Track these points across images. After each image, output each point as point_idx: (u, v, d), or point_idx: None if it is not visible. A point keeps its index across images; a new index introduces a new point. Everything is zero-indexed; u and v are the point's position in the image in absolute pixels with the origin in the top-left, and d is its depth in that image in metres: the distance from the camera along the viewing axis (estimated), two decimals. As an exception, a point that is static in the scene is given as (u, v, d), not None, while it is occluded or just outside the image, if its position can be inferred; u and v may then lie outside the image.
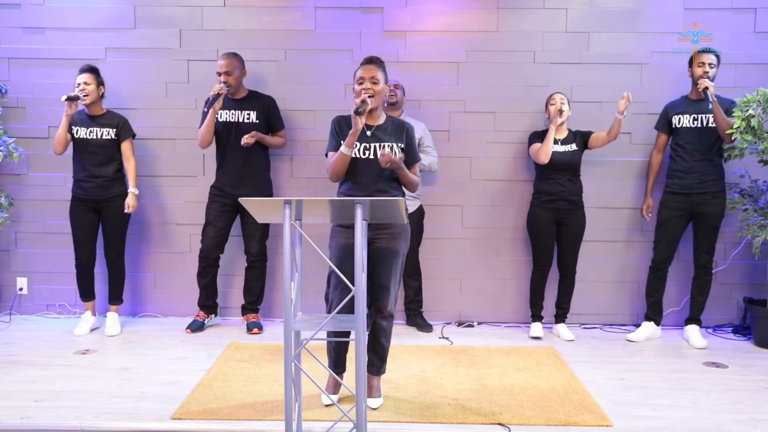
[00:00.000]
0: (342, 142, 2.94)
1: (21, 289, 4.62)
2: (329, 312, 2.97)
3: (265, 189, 4.27)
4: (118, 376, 3.42)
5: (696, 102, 4.04)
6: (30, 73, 4.51)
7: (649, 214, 4.32)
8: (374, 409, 3.00)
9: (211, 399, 3.10)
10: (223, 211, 4.19)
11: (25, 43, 4.49)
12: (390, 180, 3.00)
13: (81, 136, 4.08)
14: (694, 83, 4.00)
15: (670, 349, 4.04)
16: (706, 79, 3.89)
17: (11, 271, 4.64)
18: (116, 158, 4.14)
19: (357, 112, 2.83)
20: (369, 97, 2.90)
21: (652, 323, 4.21)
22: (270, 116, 4.24)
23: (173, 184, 4.54)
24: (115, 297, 4.27)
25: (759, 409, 3.07)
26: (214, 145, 4.22)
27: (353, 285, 2.36)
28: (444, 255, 4.55)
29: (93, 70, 4.08)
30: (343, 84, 4.44)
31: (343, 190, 3.04)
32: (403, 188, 3.11)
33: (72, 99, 3.93)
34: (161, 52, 4.48)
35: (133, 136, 4.20)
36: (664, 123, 4.17)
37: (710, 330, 4.40)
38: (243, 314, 4.38)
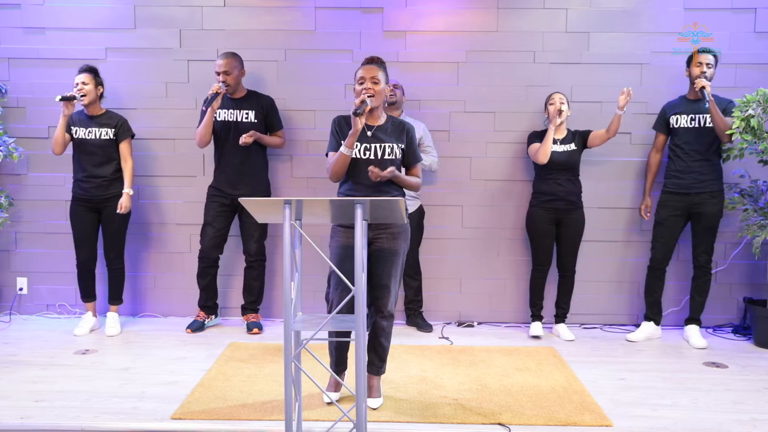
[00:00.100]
0: (342, 142, 2.94)
1: (21, 289, 4.62)
2: (330, 312, 2.97)
3: (264, 189, 4.27)
4: (118, 376, 3.43)
5: (694, 102, 4.04)
6: (30, 73, 4.51)
7: (648, 214, 4.32)
8: (374, 409, 3.00)
9: (211, 399, 3.10)
10: (222, 212, 4.19)
11: (25, 43, 4.50)
12: (390, 180, 3.00)
13: (80, 137, 4.08)
14: (692, 83, 4.00)
15: (670, 349, 4.04)
16: (703, 79, 3.89)
17: (11, 271, 4.64)
18: (115, 158, 4.13)
19: (356, 113, 2.83)
20: (369, 97, 2.90)
21: (651, 323, 4.21)
22: (268, 116, 4.24)
23: (173, 184, 4.54)
24: (115, 297, 4.27)
25: (759, 409, 3.07)
26: (212, 145, 4.22)
27: (353, 285, 2.36)
28: (444, 255, 4.56)
29: (91, 70, 4.08)
30: (343, 84, 4.44)
31: (344, 190, 3.04)
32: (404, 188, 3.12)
33: (66, 99, 3.92)
34: (161, 52, 4.49)
35: (132, 136, 4.20)
36: (662, 123, 4.18)
37: (710, 330, 4.40)
38: (243, 314, 4.38)
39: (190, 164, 4.52)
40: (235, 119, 4.15)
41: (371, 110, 2.95)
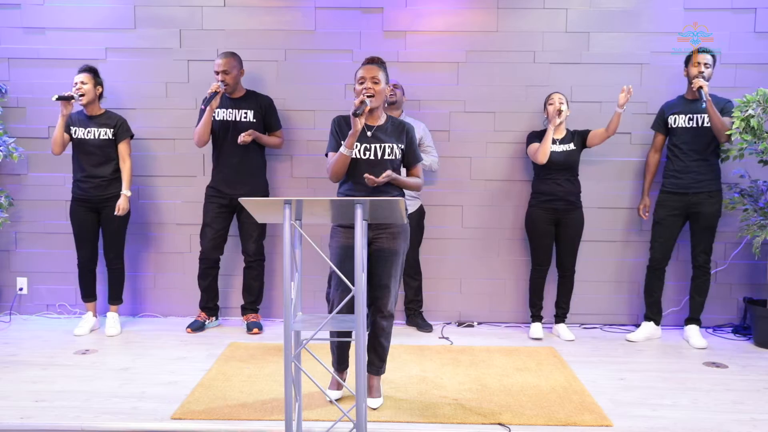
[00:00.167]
0: (342, 142, 2.94)
1: (21, 289, 4.62)
2: (331, 312, 2.98)
3: (262, 188, 4.27)
4: (118, 376, 3.43)
5: (691, 102, 4.04)
6: (30, 73, 4.51)
7: (646, 214, 4.33)
8: (374, 409, 3.00)
9: (211, 399, 3.10)
10: (220, 212, 4.19)
11: (25, 43, 4.50)
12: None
13: (79, 137, 4.08)
14: (690, 83, 4.00)
15: (670, 349, 4.04)
16: (701, 79, 3.89)
17: (11, 271, 4.64)
18: (114, 158, 4.13)
19: (355, 114, 2.83)
20: (369, 97, 2.90)
21: (651, 323, 4.21)
22: (267, 116, 4.24)
23: (173, 184, 4.54)
24: (115, 297, 4.27)
25: (759, 409, 3.07)
26: (210, 145, 4.22)
27: (353, 285, 2.36)
28: (444, 255, 4.56)
29: (91, 70, 4.08)
30: (343, 84, 4.44)
31: (343, 190, 3.04)
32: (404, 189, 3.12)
33: (64, 99, 3.92)
34: (161, 52, 4.49)
35: (131, 136, 4.20)
36: (661, 123, 4.18)
37: (710, 330, 4.40)
38: (243, 314, 4.38)
39: (190, 164, 4.52)
40: (233, 119, 4.15)
41: (371, 110, 2.95)
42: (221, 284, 4.41)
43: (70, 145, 4.14)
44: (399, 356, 3.73)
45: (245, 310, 4.36)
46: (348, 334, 3.04)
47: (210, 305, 4.35)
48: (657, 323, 4.22)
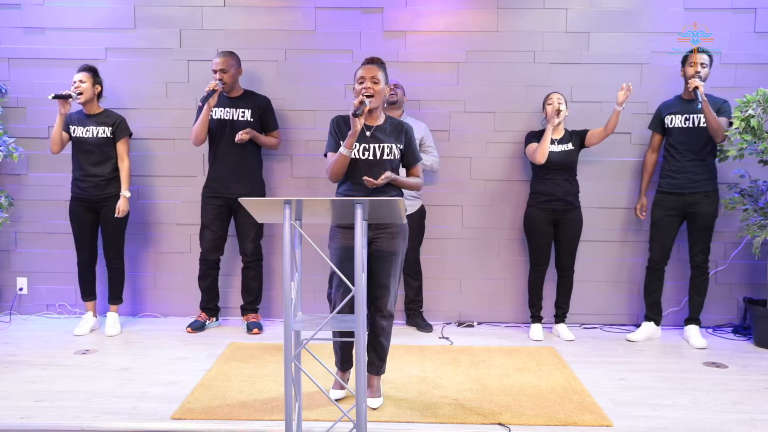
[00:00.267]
0: (341, 142, 2.94)
1: (21, 289, 4.62)
2: (332, 310, 2.98)
3: (259, 188, 4.27)
4: (118, 376, 3.43)
5: (688, 102, 4.04)
6: (30, 73, 4.51)
7: (643, 213, 4.33)
8: (374, 409, 3.00)
9: (211, 399, 3.10)
10: (218, 213, 4.19)
11: (25, 43, 4.50)
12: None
13: (78, 135, 4.08)
14: (686, 83, 4.00)
15: (670, 349, 4.04)
16: (697, 79, 3.89)
17: (11, 271, 4.64)
18: (112, 157, 4.13)
19: (355, 114, 2.83)
20: (368, 97, 2.90)
21: (651, 323, 4.21)
22: (264, 116, 4.24)
23: (173, 184, 4.54)
24: (115, 297, 4.27)
25: (759, 409, 3.07)
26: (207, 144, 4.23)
27: (353, 285, 2.36)
28: (444, 255, 4.56)
29: (90, 69, 4.08)
30: (343, 84, 4.44)
31: (342, 190, 3.04)
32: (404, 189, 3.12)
33: (61, 97, 3.91)
34: (161, 52, 4.49)
35: (130, 135, 4.19)
36: (658, 123, 4.18)
37: (710, 330, 4.40)
38: (243, 314, 4.38)
39: (190, 164, 4.52)
40: (231, 117, 4.15)
41: (370, 110, 2.95)
42: (221, 284, 4.41)
43: (69, 145, 4.14)
44: (399, 356, 3.73)
45: (245, 310, 4.36)
46: (350, 333, 3.04)
47: (210, 306, 4.35)
48: (657, 323, 4.22)
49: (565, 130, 4.19)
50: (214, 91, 3.97)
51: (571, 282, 4.26)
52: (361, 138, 2.95)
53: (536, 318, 4.29)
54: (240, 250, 4.29)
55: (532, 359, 3.76)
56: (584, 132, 4.16)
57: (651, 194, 4.27)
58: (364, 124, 2.96)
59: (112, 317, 4.24)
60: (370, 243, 2.96)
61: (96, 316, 4.28)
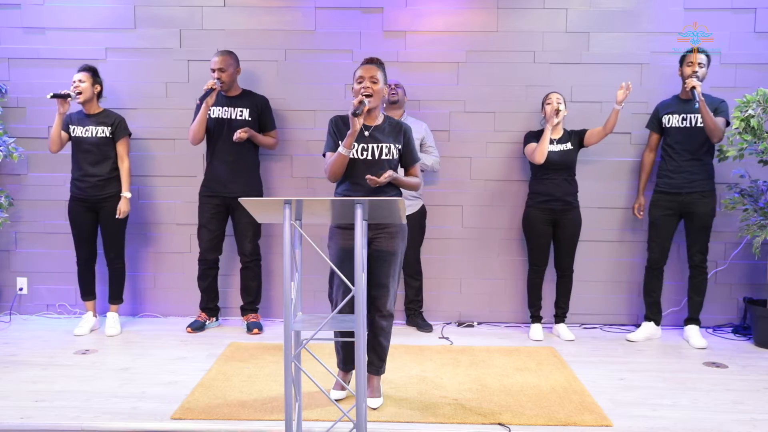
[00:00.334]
0: (339, 142, 2.94)
1: (21, 289, 4.62)
2: (334, 310, 2.99)
3: (256, 187, 4.27)
4: (118, 376, 3.43)
5: (685, 102, 4.04)
6: (30, 73, 4.51)
7: (641, 213, 4.33)
8: (374, 409, 3.00)
9: (211, 399, 3.10)
10: (216, 213, 4.19)
11: (25, 43, 4.50)
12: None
13: (77, 135, 4.08)
14: (684, 83, 4.00)
15: (670, 349, 4.04)
16: (694, 79, 3.89)
17: (11, 271, 4.64)
18: (111, 157, 4.12)
19: (354, 114, 2.83)
20: (367, 97, 2.90)
21: (651, 323, 4.21)
22: (262, 116, 4.24)
23: (173, 184, 4.54)
24: (115, 297, 4.27)
25: (759, 409, 3.07)
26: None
27: (353, 285, 2.36)
28: (444, 255, 4.55)
29: (90, 69, 4.08)
30: (343, 84, 4.44)
31: (341, 190, 3.04)
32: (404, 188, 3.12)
33: (59, 96, 3.91)
34: (161, 52, 4.49)
35: (129, 135, 4.19)
36: (655, 122, 4.19)
37: (710, 330, 4.40)
38: (242, 315, 4.38)
39: (190, 164, 4.52)
40: (229, 116, 4.15)
41: (369, 110, 2.95)
42: (221, 284, 4.41)
43: (69, 145, 4.14)
44: (399, 356, 3.73)
45: (245, 310, 4.36)
46: (350, 333, 3.04)
47: (210, 306, 4.35)
48: (657, 323, 4.22)
49: (564, 129, 4.19)
50: (212, 89, 3.98)
51: (571, 282, 4.26)
52: (360, 138, 2.95)
53: (536, 318, 4.29)
54: (238, 250, 4.28)
55: (532, 359, 3.75)
56: (583, 132, 4.16)
57: (649, 194, 4.27)
58: (363, 124, 2.96)
59: (112, 317, 4.24)
60: (370, 243, 2.96)
61: (96, 316, 4.28)
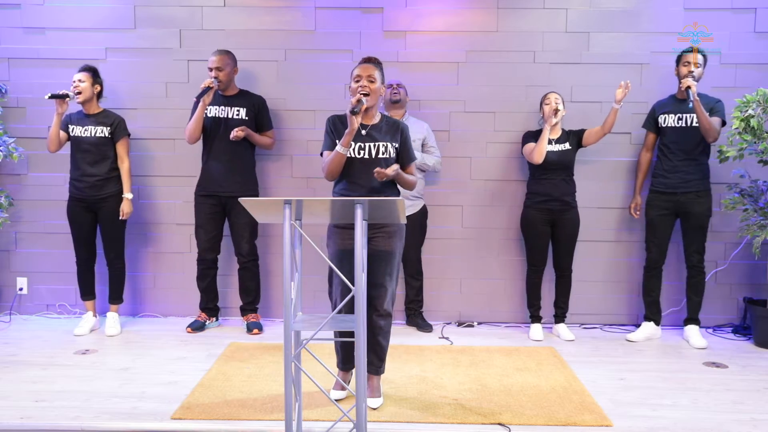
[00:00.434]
0: (337, 141, 2.94)
1: (21, 289, 4.62)
2: (334, 309, 2.99)
3: (252, 187, 4.26)
4: (118, 376, 3.42)
5: (681, 101, 4.04)
6: (30, 73, 4.51)
7: (637, 213, 4.34)
8: (374, 409, 3.00)
9: (211, 399, 3.10)
10: (212, 213, 4.19)
11: (25, 43, 4.50)
12: (386, 180, 2.99)
13: (76, 134, 4.09)
14: (680, 82, 4.00)
15: (670, 349, 4.04)
16: (690, 79, 3.89)
17: (11, 271, 4.64)
18: (109, 156, 4.12)
19: (353, 112, 2.83)
20: (364, 95, 2.91)
21: (651, 323, 4.21)
22: (259, 115, 4.24)
23: (173, 183, 4.54)
24: (115, 297, 4.26)
25: (759, 409, 3.07)
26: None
27: (353, 285, 2.36)
28: (444, 255, 4.55)
29: (90, 70, 4.09)
30: (343, 84, 4.44)
31: (338, 189, 3.04)
32: (399, 188, 3.12)
33: (57, 97, 3.92)
34: (161, 52, 4.49)
35: (128, 135, 4.19)
36: (652, 122, 4.19)
37: (710, 330, 4.40)
38: (242, 315, 4.38)
39: (190, 164, 4.51)
40: (225, 116, 4.15)
41: (366, 109, 2.95)
42: (220, 284, 4.41)
43: (67, 145, 4.14)
44: (399, 356, 3.73)
45: (244, 310, 4.36)
46: (350, 333, 3.04)
47: (210, 306, 4.35)
48: (657, 323, 4.22)
49: (562, 129, 4.19)
50: (209, 88, 3.98)
51: (570, 282, 4.26)
52: (357, 137, 2.96)
53: (536, 318, 4.29)
54: (235, 251, 4.28)
55: (532, 359, 3.75)
56: (581, 131, 4.17)
57: (645, 194, 4.27)
58: (360, 123, 2.96)
59: (112, 317, 4.24)
60: (367, 242, 2.96)
61: (96, 316, 4.28)
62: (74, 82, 4.03)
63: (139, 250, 4.58)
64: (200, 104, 4.02)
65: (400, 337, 4.14)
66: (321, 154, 3.07)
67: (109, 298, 4.27)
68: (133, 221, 4.38)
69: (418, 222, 4.28)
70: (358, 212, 2.33)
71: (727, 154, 4.00)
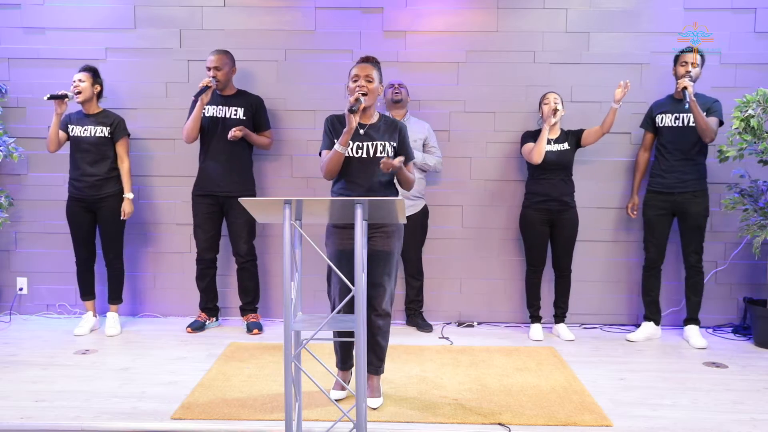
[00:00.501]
0: (335, 140, 2.95)
1: (21, 289, 4.62)
2: (333, 309, 2.99)
3: (250, 187, 4.26)
4: (118, 376, 3.42)
5: (678, 101, 4.04)
6: (30, 73, 4.51)
7: (634, 212, 4.34)
8: (374, 409, 3.00)
9: (211, 399, 3.10)
10: (210, 213, 4.19)
11: (25, 43, 4.50)
12: (383, 177, 3.00)
13: (76, 134, 4.09)
14: (677, 82, 4.00)
15: (670, 349, 4.04)
16: (686, 79, 3.89)
17: (11, 271, 4.64)
18: (109, 156, 4.12)
19: (351, 111, 2.83)
20: (362, 95, 2.91)
21: (651, 323, 4.21)
22: (257, 115, 4.24)
23: (173, 183, 4.54)
24: (115, 297, 4.26)
25: (759, 409, 3.07)
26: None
27: (353, 285, 2.36)
28: (444, 255, 4.55)
29: (90, 70, 4.09)
30: (343, 84, 4.39)
31: (337, 188, 3.04)
32: (398, 187, 3.12)
33: (56, 97, 3.92)
34: (161, 52, 4.49)
35: (128, 135, 4.19)
36: (649, 122, 4.19)
37: (710, 330, 4.40)
38: (242, 315, 4.38)
39: (189, 164, 4.50)
40: (223, 115, 4.15)
41: (364, 109, 2.96)
42: (219, 284, 4.41)
43: (67, 145, 4.14)
44: (399, 356, 3.73)
45: (244, 310, 4.36)
46: (350, 333, 3.04)
47: (210, 306, 4.35)
48: (657, 323, 4.22)
49: (561, 129, 4.19)
50: (207, 87, 3.98)
51: (569, 282, 4.26)
52: (355, 136, 2.96)
53: (535, 318, 4.29)
54: (233, 251, 4.28)
55: (532, 359, 3.75)
56: (580, 131, 4.16)
57: (643, 194, 4.27)
58: (359, 123, 2.97)
59: (112, 317, 4.24)
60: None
61: (96, 316, 4.28)
62: (74, 82, 4.03)
63: (139, 250, 4.58)
64: (198, 103, 4.02)
65: (400, 337, 4.14)
66: (319, 154, 3.08)
67: (108, 299, 4.27)
68: (133, 221, 4.37)
69: (420, 222, 4.28)
70: (358, 212, 2.33)
71: (727, 154, 3.99)
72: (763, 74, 4.34)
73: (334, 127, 3.02)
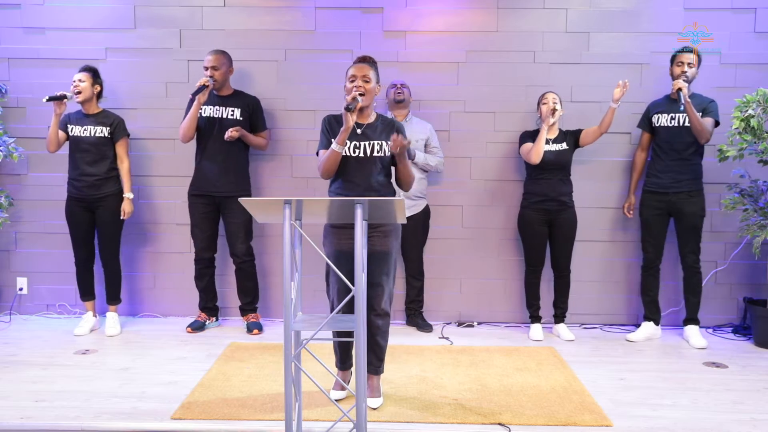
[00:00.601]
0: (333, 140, 2.95)
1: (21, 289, 4.62)
2: (332, 308, 2.98)
3: (246, 187, 4.26)
4: (118, 376, 3.43)
5: (674, 101, 4.04)
6: (30, 73, 4.51)
7: (631, 212, 4.34)
8: (374, 409, 3.00)
9: (211, 399, 3.10)
10: (206, 213, 4.19)
11: (25, 43, 4.50)
12: (381, 177, 3.00)
13: (75, 134, 4.09)
14: (673, 83, 4.00)
15: (670, 349, 4.04)
16: (681, 80, 3.88)
17: (11, 271, 4.63)
18: (108, 156, 4.12)
19: (348, 109, 2.83)
20: (360, 95, 2.91)
21: (651, 323, 4.21)
22: (253, 116, 4.24)
23: (173, 183, 4.53)
24: (113, 297, 4.26)
25: (759, 409, 3.08)
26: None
27: (352, 285, 2.36)
28: (444, 255, 4.55)
29: (90, 70, 4.09)
30: (343, 84, 4.42)
31: (334, 188, 3.05)
32: (396, 186, 3.11)
33: (55, 99, 3.92)
34: (161, 52, 4.49)
35: (128, 135, 4.20)
36: (646, 122, 4.19)
37: (710, 330, 4.40)
38: (242, 315, 4.38)
39: (189, 164, 4.49)
40: (220, 116, 4.15)
41: (361, 109, 2.96)
42: (219, 284, 4.41)
43: (67, 144, 4.14)
44: (399, 356, 3.73)
45: (244, 311, 4.36)
46: (349, 333, 3.04)
47: (209, 305, 4.35)
48: (656, 322, 4.22)
49: (560, 129, 4.19)
50: (205, 86, 3.98)
51: (568, 282, 4.26)
52: (352, 136, 2.96)
53: (535, 318, 4.29)
54: (231, 251, 4.27)
55: (532, 359, 3.75)
56: (578, 131, 4.16)
57: (640, 194, 4.27)
58: (356, 122, 2.96)
59: (112, 317, 4.23)
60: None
61: (96, 316, 4.28)
62: (74, 82, 4.03)
63: (138, 250, 4.58)
64: (195, 103, 4.01)
65: (400, 337, 4.14)
66: (317, 153, 3.08)
67: (106, 299, 4.26)
68: (133, 221, 4.37)
69: (421, 222, 4.28)
70: (358, 212, 2.33)
71: (727, 154, 3.99)
72: (763, 74, 4.34)
73: (332, 126, 3.02)
